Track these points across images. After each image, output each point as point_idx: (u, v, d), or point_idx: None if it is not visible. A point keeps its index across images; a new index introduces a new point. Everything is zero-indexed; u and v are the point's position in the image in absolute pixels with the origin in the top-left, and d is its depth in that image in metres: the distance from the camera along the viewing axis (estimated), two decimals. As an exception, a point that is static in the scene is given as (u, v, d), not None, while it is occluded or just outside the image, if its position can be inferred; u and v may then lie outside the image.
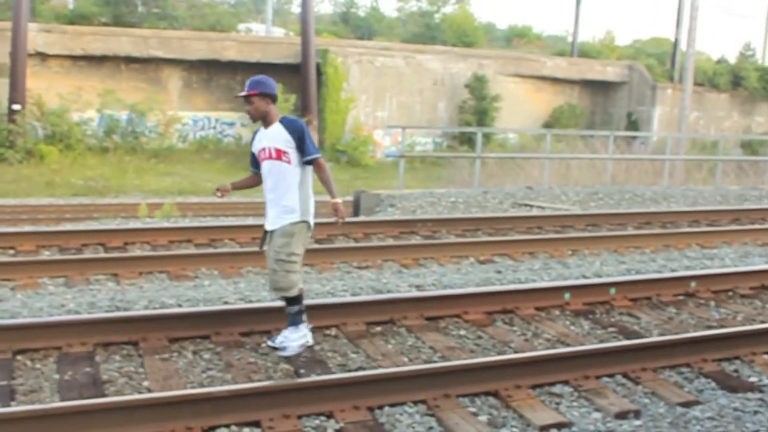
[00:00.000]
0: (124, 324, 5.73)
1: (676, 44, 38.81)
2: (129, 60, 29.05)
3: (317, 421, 4.52)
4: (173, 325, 5.83)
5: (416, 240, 10.91)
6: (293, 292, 5.51)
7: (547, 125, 34.75)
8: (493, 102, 33.43)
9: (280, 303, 5.81)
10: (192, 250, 9.57)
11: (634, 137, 28.91)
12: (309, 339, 5.78)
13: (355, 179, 26.53)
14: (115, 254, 9.11)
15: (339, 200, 5.62)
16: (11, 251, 9.27)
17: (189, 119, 30.48)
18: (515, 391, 5.00)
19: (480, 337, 6.26)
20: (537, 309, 6.98)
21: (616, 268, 8.93)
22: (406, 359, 5.65)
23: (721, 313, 7.31)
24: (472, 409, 4.79)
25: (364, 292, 7.27)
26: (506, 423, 4.63)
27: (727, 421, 4.59)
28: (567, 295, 7.18)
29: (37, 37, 26.68)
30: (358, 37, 43.32)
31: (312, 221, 5.66)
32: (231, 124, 30.56)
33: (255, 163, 5.77)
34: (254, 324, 5.99)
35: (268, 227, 5.63)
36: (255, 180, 5.87)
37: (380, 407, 4.72)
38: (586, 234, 11.43)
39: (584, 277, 8.28)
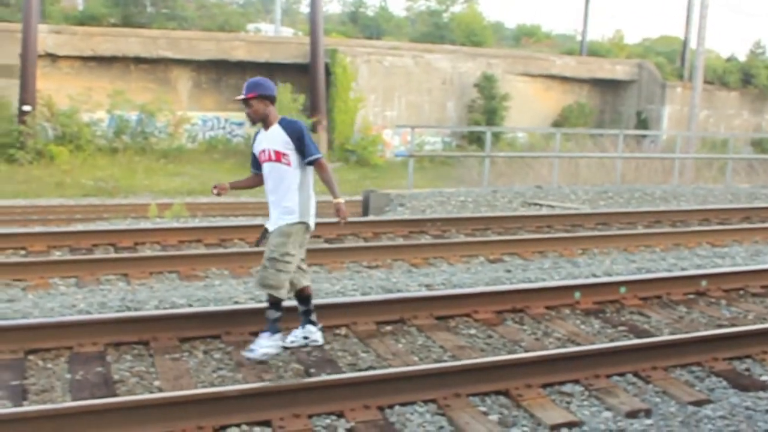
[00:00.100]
0: (134, 324, 5.75)
1: (685, 42, 38.67)
2: (138, 60, 29.13)
3: (328, 421, 4.53)
4: (184, 324, 5.85)
5: (426, 239, 10.91)
6: (281, 293, 5.47)
7: (557, 124, 34.70)
8: (502, 101, 33.38)
9: (291, 302, 5.83)
10: (202, 250, 9.59)
11: (644, 136, 28.84)
12: (319, 338, 5.81)
13: (364, 179, 26.55)
14: (126, 254, 9.14)
15: (341, 200, 5.58)
16: (22, 252, 9.31)
17: (198, 119, 30.54)
18: (526, 390, 4.99)
19: (490, 337, 6.25)
20: (547, 308, 6.97)
21: (627, 267, 8.92)
22: (416, 358, 5.65)
23: (732, 311, 7.28)
24: (483, 409, 4.79)
25: (374, 291, 7.27)
26: (517, 422, 4.63)
27: (739, 420, 4.58)
28: (577, 294, 7.17)
29: (47, 39, 26.78)
30: (366, 36, 43.29)
31: (312, 222, 5.64)
32: (240, 124, 30.56)
33: (256, 163, 5.75)
34: (264, 324, 5.97)
35: (270, 228, 5.64)
36: (255, 181, 5.85)
37: (391, 406, 4.72)
38: (596, 233, 11.40)
39: (594, 276, 8.27)
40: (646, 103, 37.11)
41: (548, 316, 6.81)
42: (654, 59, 39.60)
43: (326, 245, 10.09)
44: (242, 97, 5.48)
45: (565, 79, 36.70)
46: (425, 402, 4.81)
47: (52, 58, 27.55)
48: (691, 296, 7.67)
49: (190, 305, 6.58)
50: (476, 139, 31.77)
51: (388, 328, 6.31)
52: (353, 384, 4.77)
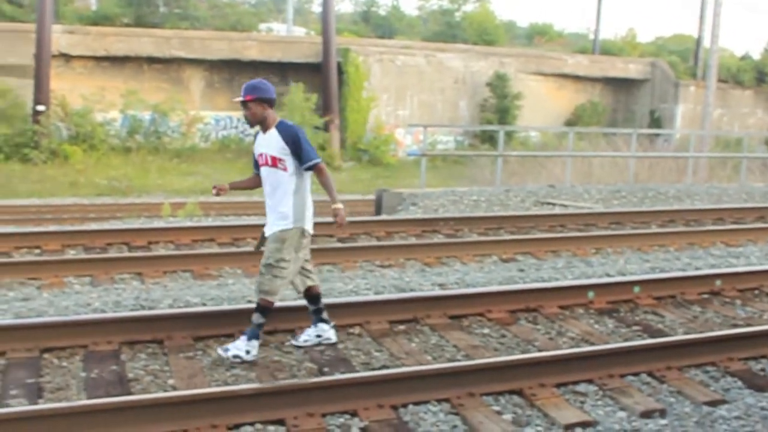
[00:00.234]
0: (149, 322, 5.77)
1: (699, 41, 38.49)
2: (151, 60, 29.25)
3: (341, 420, 4.53)
4: (197, 323, 5.87)
5: (439, 239, 10.90)
6: (276, 299, 5.46)
7: (569, 123, 34.61)
8: (514, 100, 33.33)
9: (303, 302, 5.84)
10: (215, 249, 9.62)
11: (657, 135, 28.73)
12: (332, 336, 5.82)
13: (376, 178, 26.57)
14: (140, 253, 9.17)
15: (339, 205, 5.54)
16: (37, 251, 9.36)
17: (211, 119, 30.62)
18: (539, 389, 4.98)
19: (504, 336, 6.24)
20: (561, 307, 6.95)
21: (640, 266, 8.89)
22: (429, 358, 5.65)
23: (747, 311, 7.24)
24: (497, 408, 4.78)
25: (387, 290, 7.28)
26: (531, 422, 4.62)
27: (755, 420, 4.55)
28: (591, 294, 7.15)
29: (60, 39, 26.91)
30: (378, 36, 43.32)
31: (308, 227, 5.57)
32: (252, 124, 30.63)
33: (257, 164, 5.73)
34: (278, 323, 6.00)
35: (266, 232, 5.61)
36: (256, 181, 5.80)
37: (404, 406, 4.72)
38: (610, 232, 11.36)
39: (608, 275, 8.25)
40: (659, 101, 36.97)
41: (562, 316, 6.79)
42: (667, 58, 39.44)
43: (339, 244, 10.10)
44: (240, 99, 5.44)
45: (577, 78, 36.60)
46: (439, 401, 4.81)
47: (66, 58, 27.69)
48: (706, 296, 7.63)
49: (204, 304, 6.60)
50: (489, 138, 31.73)
51: (402, 327, 6.31)
52: (367, 383, 4.77)
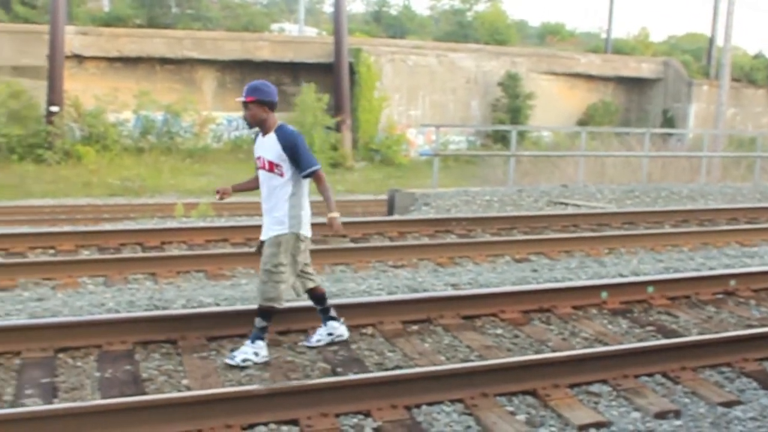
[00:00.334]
0: (162, 323, 5.79)
1: (712, 40, 38.31)
2: (164, 61, 29.35)
3: (355, 420, 4.53)
4: (211, 323, 5.88)
5: (451, 239, 10.89)
6: (280, 304, 5.45)
7: (582, 123, 34.51)
8: (526, 100, 33.26)
9: (309, 303, 5.85)
10: (228, 249, 9.64)
11: (670, 134, 28.61)
12: (344, 332, 5.84)
13: (388, 178, 26.57)
14: (153, 254, 9.20)
15: (336, 215, 5.50)
16: (51, 251, 9.40)
17: (223, 119, 30.68)
18: (553, 390, 4.97)
19: (517, 336, 6.23)
20: (574, 308, 6.94)
21: (654, 266, 8.85)
22: (443, 358, 5.64)
23: (761, 311, 7.20)
24: (510, 408, 4.77)
25: (400, 291, 7.28)
26: (544, 422, 4.61)
27: (770, 422, 4.53)
28: (604, 294, 7.13)
29: (73, 40, 27.05)
30: (390, 36, 43.27)
31: (304, 231, 5.50)
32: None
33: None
34: (291, 323, 6.01)
35: (262, 237, 5.59)
36: (258, 183, 5.75)
37: (418, 406, 4.71)
38: (623, 232, 11.33)
39: (621, 275, 8.22)
40: (672, 101, 36.81)
41: (575, 316, 6.78)
42: (680, 57, 39.24)
43: (352, 245, 10.11)
44: (241, 99, 5.42)
45: (590, 78, 36.50)
46: (452, 402, 4.80)
47: (79, 59, 27.83)
48: (720, 296, 7.60)
49: (218, 304, 6.62)
50: (501, 138, 31.67)
51: (415, 327, 6.30)
52: (380, 383, 4.77)
